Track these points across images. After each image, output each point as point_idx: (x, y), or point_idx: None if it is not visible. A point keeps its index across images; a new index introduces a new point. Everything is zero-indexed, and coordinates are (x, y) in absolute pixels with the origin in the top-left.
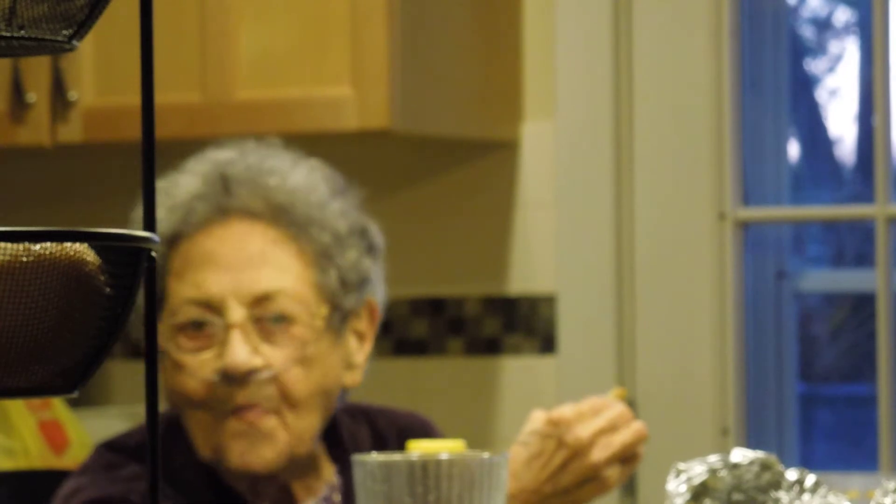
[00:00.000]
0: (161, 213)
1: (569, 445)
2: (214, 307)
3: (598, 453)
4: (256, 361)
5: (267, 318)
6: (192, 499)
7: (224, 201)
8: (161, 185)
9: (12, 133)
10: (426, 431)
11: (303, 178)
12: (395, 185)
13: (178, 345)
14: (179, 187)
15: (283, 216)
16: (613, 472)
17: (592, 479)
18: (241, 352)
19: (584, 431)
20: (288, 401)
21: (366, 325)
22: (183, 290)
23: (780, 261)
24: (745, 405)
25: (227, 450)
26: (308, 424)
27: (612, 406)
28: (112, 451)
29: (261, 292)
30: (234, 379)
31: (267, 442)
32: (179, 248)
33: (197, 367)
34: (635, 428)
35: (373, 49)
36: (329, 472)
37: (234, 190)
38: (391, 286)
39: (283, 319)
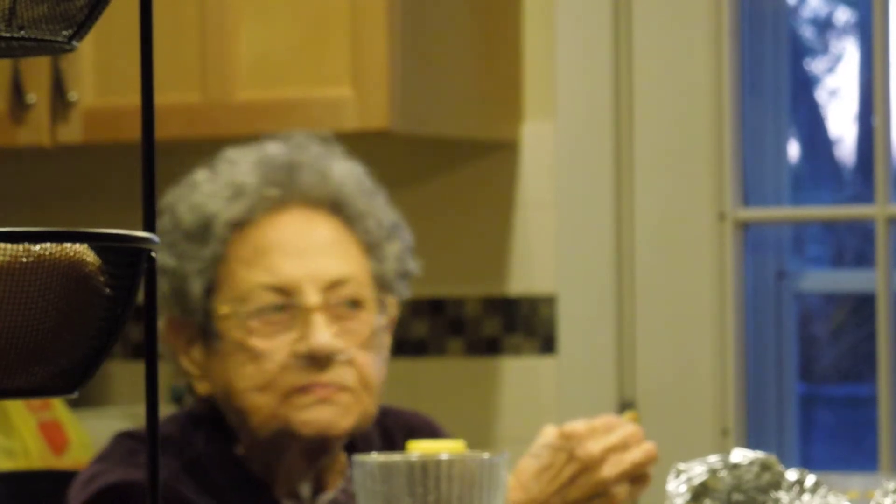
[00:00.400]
0: (219, 202)
1: (579, 459)
2: (290, 291)
3: (609, 470)
4: (339, 343)
5: (340, 302)
6: (213, 487)
7: (288, 190)
8: (216, 173)
9: (12, 133)
10: (432, 431)
11: (352, 170)
12: (395, 186)
13: (250, 329)
14: (240, 175)
15: (341, 206)
16: (622, 490)
17: (601, 496)
18: (326, 334)
19: (595, 447)
20: (361, 383)
21: (391, 321)
22: (255, 276)
23: (780, 261)
24: (745, 405)
25: (295, 420)
26: (373, 408)
27: (624, 425)
28: (131, 439)
29: (334, 277)
30: (318, 360)
31: (342, 412)
32: (246, 235)
33: (274, 350)
34: (646, 448)
35: (373, 49)
36: (345, 464)
37: (298, 179)
38: None
39: (355, 305)
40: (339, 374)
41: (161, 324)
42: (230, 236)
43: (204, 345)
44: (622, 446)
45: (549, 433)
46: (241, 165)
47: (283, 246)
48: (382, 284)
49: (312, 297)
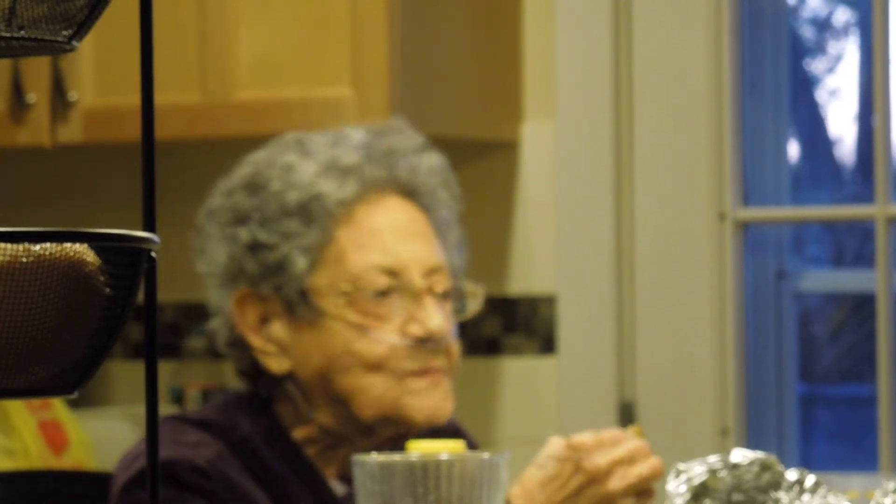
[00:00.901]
0: (328, 183)
1: (586, 471)
2: (399, 273)
3: (616, 483)
4: (448, 327)
5: (436, 289)
6: (260, 468)
7: (389, 175)
8: (310, 154)
9: (12, 133)
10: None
11: (439, 161)
12: None
13: (361, 309)
14: (344, 158)
15: (424, 196)
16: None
17: None
18: (439, 317)
19: (602, 459)
20: (453, 368)
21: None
22: (367, 256)
23: (780, 261)
24: (745, 405)
25: (410, 404)
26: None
27: (631, 439)
28: (175, 420)
29: (433, 264)
30: (430, 343)
31: (447, 399)
32: (354, 216)
33: (386, 330)
34: (653, 463)
35: (373, 49)
36: None
37: (397, 165)
38: None
39: (446, 293)
40: (443, 357)
41: (234, 296)
42: (339, 216)
43: (292, 322)
44: (629, 460)
45: (554, 444)
46: (341, 148)
47: (393, 228)
48: (454, 276)
49: (420, 280)
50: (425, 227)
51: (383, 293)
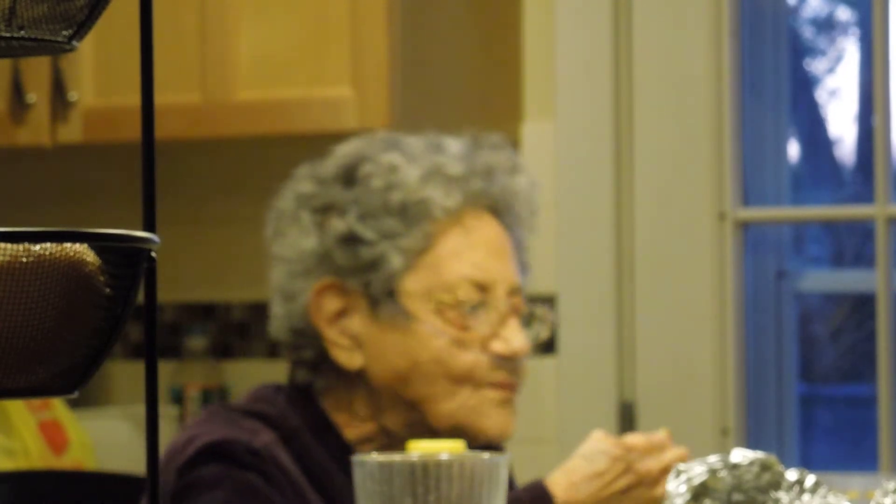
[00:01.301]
0: (434, 189)
1: (638, 473)
2: (488, 289)
3: (662, 488)
4: (528, 348)
5: (519, 308)
6: (310, 460)
7: (487, 189)
8: (413, 159)
9: (12, 133)
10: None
11: (529, 184)
12: None
13: (449, 318)
14: (449, 167)
15: (511, 216)
16: None
17: None
18: (522, 337)
19: (655, 464)
20: (520, 388)
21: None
22: (462, 268)
23: (780, 261)
24: (745, 405)
25: (485, 417)
26: None
27: (675, 446)
28: (226, 408)
29: (517, 284)
30: (511, 361)
31: (513, 417)
32: (454, 226)
33: (470, 342)
34: None
35: (373, 49)
36: None
37: (494, 181)
38: None
39: (523, 312)
40: (521, 374)
41: (316, 285)
42: (442, 224)
43: (373, 319)
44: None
45: (600, 438)
46: (443, 156)
47: (487, 244)
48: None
49: (505, 298)
50: (509, 247)
51: (472, 306)
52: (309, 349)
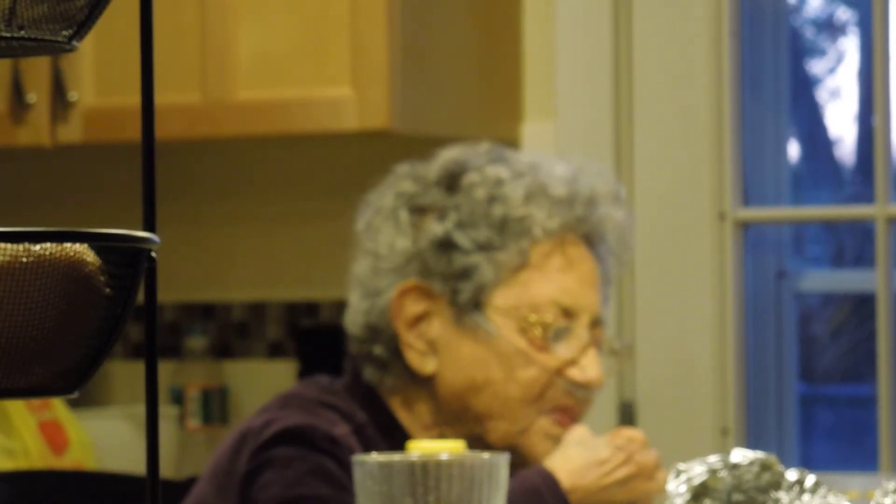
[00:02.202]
0: (538, 209)
1: (638, 464)
2: (573, 316)
3: (658, 482)
4: (602, 381)
5: (600, 340)
6: (374, 449)
7: (586, 217)
8: (520, 175)
9: (12, 133)
10: None
11: (626, 219)
12: None
13: (531, 339)
14: (553, 188)
15: (603, 247)
16: None
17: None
18: (598, 370)
19: (651, 457)
20: (583, 417)
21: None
22: (551, 291)
23: (780, 261)
24: (745, 405)
25: (540, 446)
26: None
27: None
28: (301, 398)
29: (600, 315)
30: (583, 391)
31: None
32: (550, 248)
33: (547, 365)
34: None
35: (373, 49)
36: None
37: (594, 210)
38: None
39: (603, 345)
40: (585, 408)
41: (401, 285)
42: (540, 244)
43: (455, 327)
44: (659, 465)
45: (585, 431)
46: (548, 177)
47: (579, 271)
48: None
49: (588, 328)
50: (598, 277)
51: (556, 330)
52: (381, 346)
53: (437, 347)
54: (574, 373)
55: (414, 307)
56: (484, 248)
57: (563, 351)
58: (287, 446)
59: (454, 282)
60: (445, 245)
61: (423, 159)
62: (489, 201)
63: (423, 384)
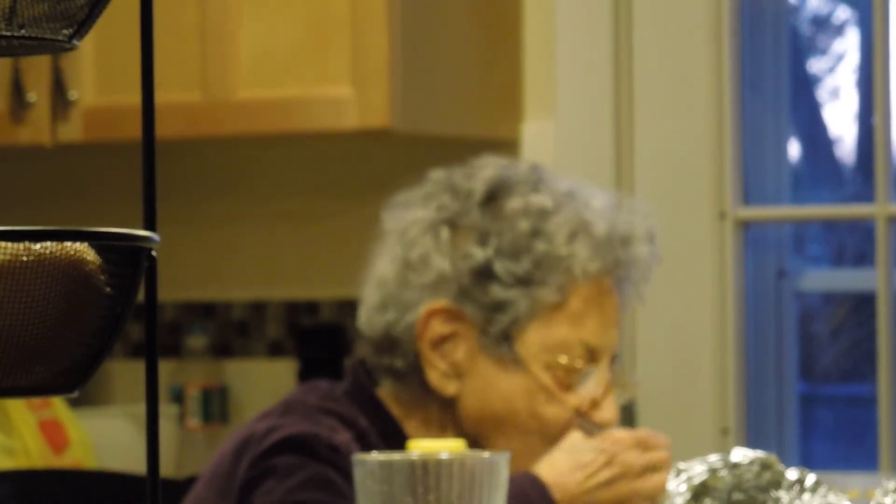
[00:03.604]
0: (580, 249)
1: (621, 465)
2: (596, 357)
3: (642, 484)
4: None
5: (615, 377)
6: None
7: (621, 259)
8: (562, 209)
9: (12, 133)
10: None
11: (651, 255)
12: (395, 185)
13: (556, 377)
14: (595, 228)
15: (628, 284)
16: None
17: None
18: (616, 409)
19: (638, 458)
20: None
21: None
22: (578, 332)
23: (781, 260)
24: (745, 405)
25: None
26: None
27: (661, 445)
28: (303, 404)
29: (616, 351)
30: (600, 430)
31: None
32: (583, 287)
33: (570, 405)
34: (663, 478)
35: (373, 49)
36: None
37: (629, 252)
38: None
39: (617, 381)
40: None
41: (430, 305)
42: (579, 285)
43: (481, 354)
44: (658, 467)
45: (578, 437)
46: (593, 214)
47: (607, 311)
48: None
49: (608, 367)
50: (619, 314)
51: (583, 372)
52: (401, 360)
53: (460, 370)
54: (595, 414)
55: (441, 328)
56: (523, 282)
57: (585, 391)
58: (288, 455)
59: (488, 312)
60: (484, 274)
61: (458, 166)
62: (533, 235)
63: (440, 402)
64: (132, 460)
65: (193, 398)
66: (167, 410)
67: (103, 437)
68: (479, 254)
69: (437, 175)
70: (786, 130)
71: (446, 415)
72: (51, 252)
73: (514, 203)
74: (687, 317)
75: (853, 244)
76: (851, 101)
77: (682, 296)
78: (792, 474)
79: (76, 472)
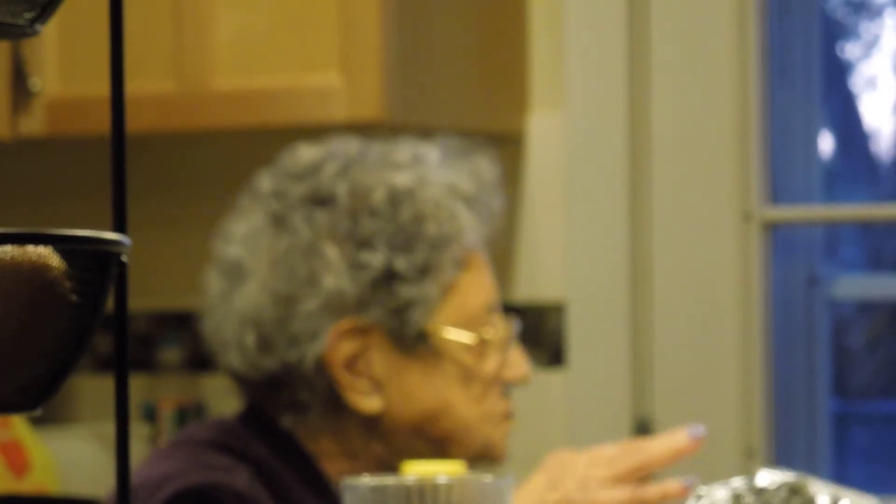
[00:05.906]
0: (470, 216)
1: (560, 490)
2: (492, 313)
3: (600, 494)
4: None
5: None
6: (287, 491)
7: (496, 210)
8: (450, 190)
9: None
10: None
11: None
12: None
13: (473, 352)
14: (461, 184)
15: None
16: None
17: None
18: (525, 361)
19: (571, 480)
20: None
21: None
22: (481, 298)
23: (812, 265)
24: (773, 424)
25: (499, 448)
26: None
27: (652, 452)
28: (188, 443)
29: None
30: (516, 386)
31: None
32: (474, 254)
33: (490, 373)
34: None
35: (364, 33)
36: None
37: (496, 199)
38: None
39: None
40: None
41: (337, 326)
42: (469, 251)
43: (398, 359)
44: (623, 478)
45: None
46: (448, 172)
47: (487, 265)
48: None
49: (504, 323)
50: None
51: (491, 340)
52: (307, 392)
53: (381, 383)
54: (510, 374)
55: (350, 347)
56: (425, 271)
57: (496, 355)
58: None
59: (398, 314)
60: (387, 277)
61: (278, 166)
62: (416, 220)
63: (360, 423)
64: (100, 483)
65: (167, 416)
66: (138, 430)
67: (68, 459)
68: (375, 259)
69: (274, 185)
70: (817, 123)
71: (371, 434)
72: (11, 257)
73: (377, 193)
74: (708, 328)
75: (891, 248)
76: (889, 91)
77: (704, 305)
78: (823, 500)
79: (38, 498)
